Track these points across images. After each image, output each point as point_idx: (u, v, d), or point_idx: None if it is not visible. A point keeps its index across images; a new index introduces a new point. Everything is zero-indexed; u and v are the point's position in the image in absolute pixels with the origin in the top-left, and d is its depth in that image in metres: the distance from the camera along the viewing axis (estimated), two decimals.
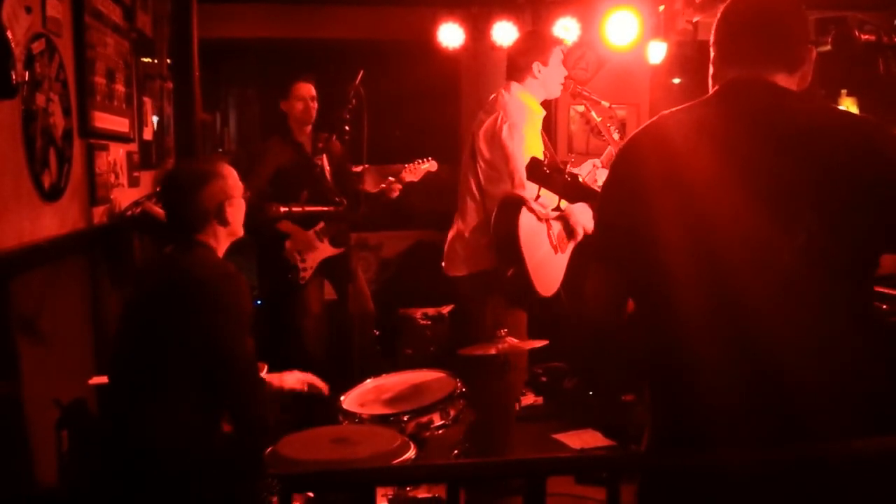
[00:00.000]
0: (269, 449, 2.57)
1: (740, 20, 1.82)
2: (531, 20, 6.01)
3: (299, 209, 4.16)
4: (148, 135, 4.51)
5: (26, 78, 2.68)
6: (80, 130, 3.29)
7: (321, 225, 4.67)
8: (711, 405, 1.67)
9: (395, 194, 4.81)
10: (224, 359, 2.49)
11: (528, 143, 3.61)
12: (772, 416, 1.66)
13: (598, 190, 2.23)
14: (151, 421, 2.48)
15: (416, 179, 4.88)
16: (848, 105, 5.14)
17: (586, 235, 3.66)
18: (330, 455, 2.55)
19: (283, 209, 4.01)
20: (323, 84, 4.92)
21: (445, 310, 5.69)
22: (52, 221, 2.95)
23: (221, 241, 2.70)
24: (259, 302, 5.88)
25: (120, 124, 3.89)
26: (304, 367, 4.79)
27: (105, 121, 3.59)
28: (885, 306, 3.39)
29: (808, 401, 1.63)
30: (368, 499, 1.58)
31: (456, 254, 3.80)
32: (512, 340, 3.44)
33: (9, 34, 2.47)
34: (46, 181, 2.87)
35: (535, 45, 3.82)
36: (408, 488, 2.85)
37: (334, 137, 4.88)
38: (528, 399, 5.30)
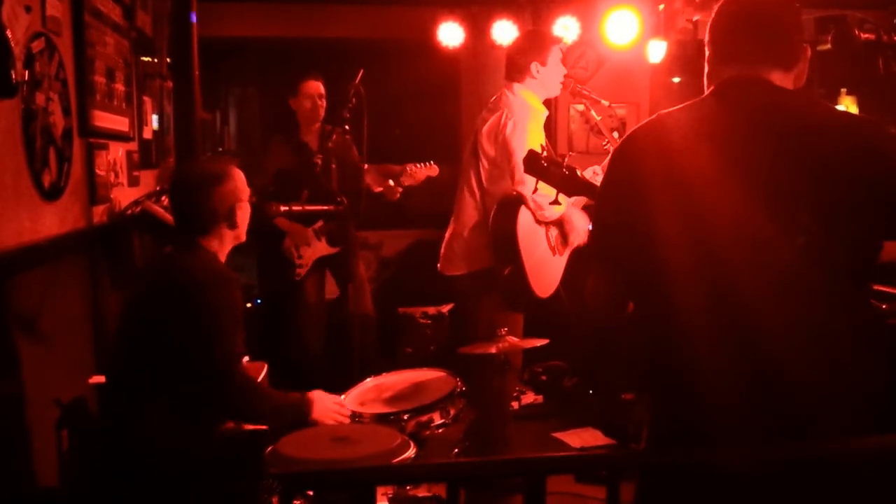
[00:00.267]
0: (270, 448, 2.57)
1: (735, 19, 1.82)
2: (531, 19, 6.01)
3: (299, 208, 4.15)
4: (148, 134, 4.51)
5: (26, 77, 2.68)
6: (80, 129, 3.29)
7: (320, 223, 4.67)
8: (710, 404, 1.67)
9: (396, 197, 4.82)
10: (210, 361, 2.49)
11: (531, 142, 3.62)
12: (771, 415, 1.66)
13: (596, 185, 2.23)
14: (150, 420, 2.48)
15: (416, 183, 4.88)
16: (847, 104, 5.14)
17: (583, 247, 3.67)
18: (330, 454, 2.55)
19: (283, 208, 4.00)
20: (324, 83, 4.92)
21: (445, 309, 5.69)
22: (51, 221, 2.95)
23: (226, 244, 2.71)
24: (259, 301, 5.89)
25: (120, 123, 3.89)
26: (303, 365, 4.83)
27: (105, 120, 3.59)
28: (884, 306, 3.39)
29: (806, 400, 1.63)
30: (368, 498, 1.58)
31: (454, 253, 3.80)
32: (512, 339, 3.45)
33: (8, 33, 2.46)
34: (46, 180, 2.87)
35: (532, 44, 3.82)
36: (408, 487, 2.85)
37: (341, 132, 4.88)
38: (528, 398, 5.30)
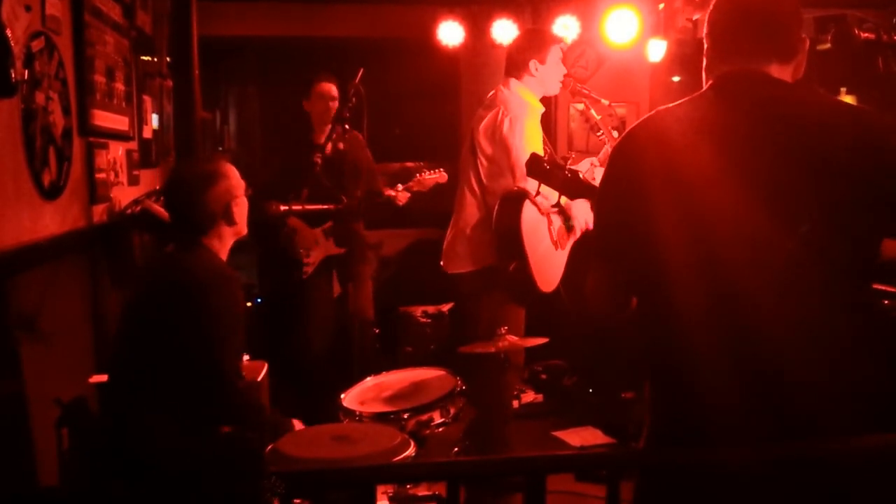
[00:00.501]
0: (270, 447, 2.57)
1: (731, 13, 1.82)
2: (531, 18, 6.01)
3: (299, 207, 4.16)
4: (148, 133, 4.51)
5: (26, 76, 2.68)
6: (80, 129, 3.29)
7: (329, 224, 4.67)
8: (710, 403, 1.67)
9: (403, 202, 4.83)
10: (211, 361, 2.49)
11: (529, 138, 3.62)
12: (771, 415, 1.66)
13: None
14: (150, 420, 2.48)
15: (424, 190, 4.89)
16: None
17: (587, 231, 3.66)
18: (330, 453, 2.55)
19: (283, 207, 4.01)
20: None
21: (445, 308, 5.70)
22: (51, 220, 2.95)
23: (226, 241, 2.71)
24: (259, 300, 5.89)
25: (120, 122, 3.89)
26: (304, 364, 4.83)
27: (105, 119, 3.59)
28: (886, 302, 3.39)
29: (806, 399, 1.63)
30: (369, 497, 1.58)
31: (457, 251, 3.80)
32: (512, 338, 3.45)
33: (8, 32, 2.46)
34: (46, 180, 2.87)
35: (532, 43, 3.83)
36: (408, 486, 2.85)
37: (355, 131, 4.91)
38: (528, 396, 5.31)
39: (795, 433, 1.62)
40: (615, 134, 4.00)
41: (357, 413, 3.04)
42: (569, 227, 3.75)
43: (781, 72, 1.78)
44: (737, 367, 1.66)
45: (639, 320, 1.86)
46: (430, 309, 5.72)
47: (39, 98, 2.81)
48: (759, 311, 1.64)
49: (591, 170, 3.79)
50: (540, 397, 5.35)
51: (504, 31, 5.65)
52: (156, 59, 4.73)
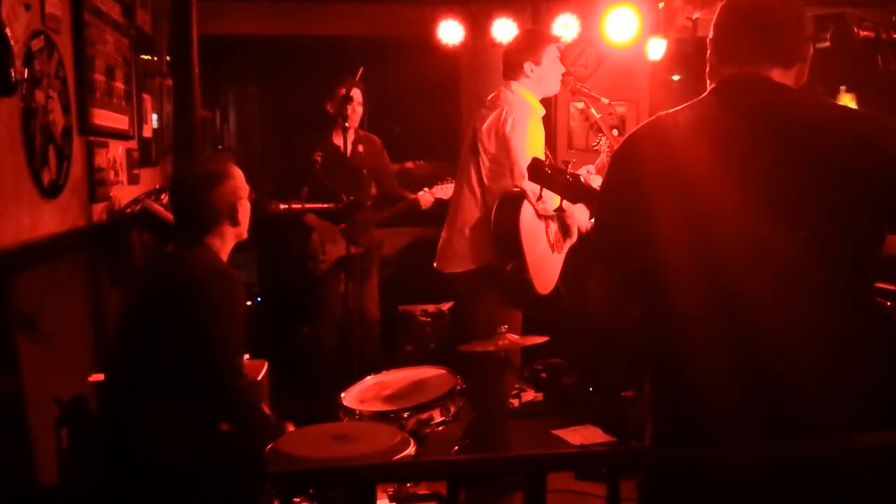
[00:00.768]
0: (270, 446, 2.57)
1: (734, 17, 1.82)
2: (531, 17, 6.01)
3: (299, 206, 4.16)
4: (147, 132, 4.51)
5: (25, 75, 2.68)
6: (80, 128, 3.29)
7: (346, 224, 4.67)
8: (710, 402, 1.67)
9: (428, 206, 4.85)
10: (213, 359, 2.49)
11: (531, 139, 3.63)
12: (771, 415, 1.66)
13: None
14: (150, 419, 2.48)
15: (445, 197, 4.89)
16: (847, 101, 5.15)
17: (585, 236, 3.67)
18: (330, 452, 2.55)
19: (282, 206, 4.01)
20: (323, 81, 4.92)
21: (445, 306, 5.69)
22: (51, 219, 2.95)
23: (228, 242, 2.71)
24: (259, 299, 5.90)
25: (119, 121, 3.89)
26: (307, 362, 4.83)
27: (104, 118, 3.59)
28: (888, 303, 3.38)
29: (807, 398, 1.63)
30: (369, 495, 1.58)
31: (454, 250, 3.79)
32: (512, 337, 3.45)
33: (8, 31, 2.47)
34: (46, 178, 2.87)
35: (526, 44, 3.83)
36: (408, 484, 2.85)
37: (373, 135, 4.94)
38: (528, 395, 5.31)
39: (795, 433, 1.62)
40: (615, 133, 4.01)
41: (357, 412, 3.04)
42: (565, 232, 3.75)
43: (784, 77, 1.78)
44: (737, 366, 1.66)
45: (639, 320, 1.86)
46: (430, 308, 5.72)
47: (39, 97, 2.81)
48: (759, 312, 1.65)
49: (588, 177, 3.79)
50: (540, 396, 5.35)
51: (504, 29, 5.65)
52: (155, 58, 4.73)
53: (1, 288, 2.51)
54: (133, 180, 4.15)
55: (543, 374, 5.49)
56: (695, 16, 5.31)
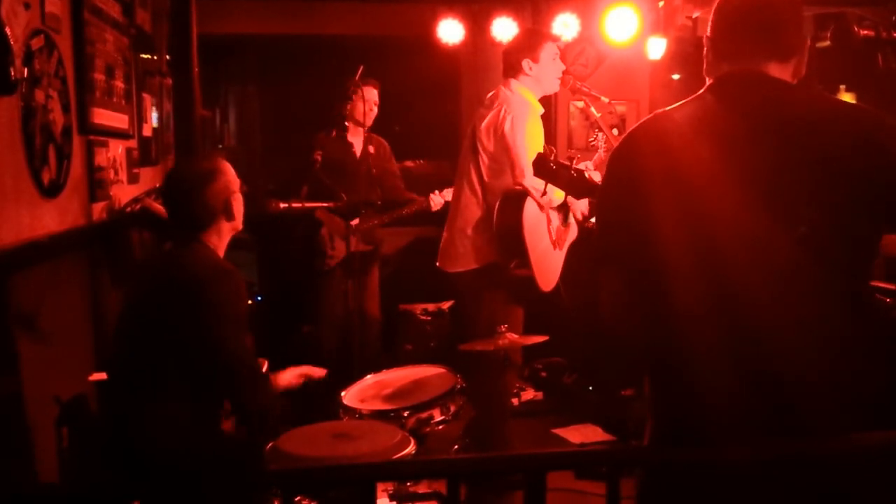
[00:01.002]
0: (270, 445, 2.57)
1: (730, 14, 1.82)
2: (531, 16, 6.01)
3: (299, 205, 4.16)
4: (147, 131, 4.51)
5: (25, 74, 2.67)
6: (80, 127, 3.29)
7: (356, 220, 4.67)
8: (710, 402, 1.67)
9: (438, 208, 4.85)
10: (221, 357, 2.49)
11: (531, 137, 3.63)
12: (771, 413, 1.66)
13: None
14: (150, 419, 2.48)
15: None
16: (846, 100, 5.15)
17: (586, 236, 3.68)
18: (330, 451, 2.55)
19: (283, 205, 4.01)
20: (323, 80, 4.92)
21: (446, 305, 5.69)
22: (51, 218, 2.95)
23: (224, 236, 2.72)
24: (259, 298, 5.89)
25: (119, 121, 3.89)
26: (312, 359, 4.83)
27: (104, 117, 3.59)
28: (888, 300, 3.38)
29: (807, 397, 1.63)
30: (369, 494, 1.58)
31: (457, 249, 3.80)
32: (512, 336, 3.45)
33: (7, 30, 2.46)
34: (46, 178, 2.87)
35: (524, 42, 3.85)
36: (408, 483, 2.85)
37: (381, 138, 4.95)
38: (528, 394, 5.31)
39: (795, 432, 1.62)
40: (615, 132, 4.01)
41: (357, 411, 3.04)
42: (566, 222, 3.76)
43: (781, 71, 1.78)
44: (737, 366, 1.66)
45: (640, 319, 1.86)
46: (431, 307, 5.72)
47: (39, 96, 2.81)
48: (759, 311, 1.65)
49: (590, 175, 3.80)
50: (540, 395, 5.35)
51: (504, 29, 5.65)
52: (155, 57, 4.73)
53: (1, 287, 2.51)
54: (133, 179, 4.15)
55: (543, 373, 5.49)
56: (694, 15, 5.31)
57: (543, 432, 4.76)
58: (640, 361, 1.98)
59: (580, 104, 5.52)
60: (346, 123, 4.80)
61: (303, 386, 2.93)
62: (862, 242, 1.67)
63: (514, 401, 5.07)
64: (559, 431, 4.77)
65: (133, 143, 4.20)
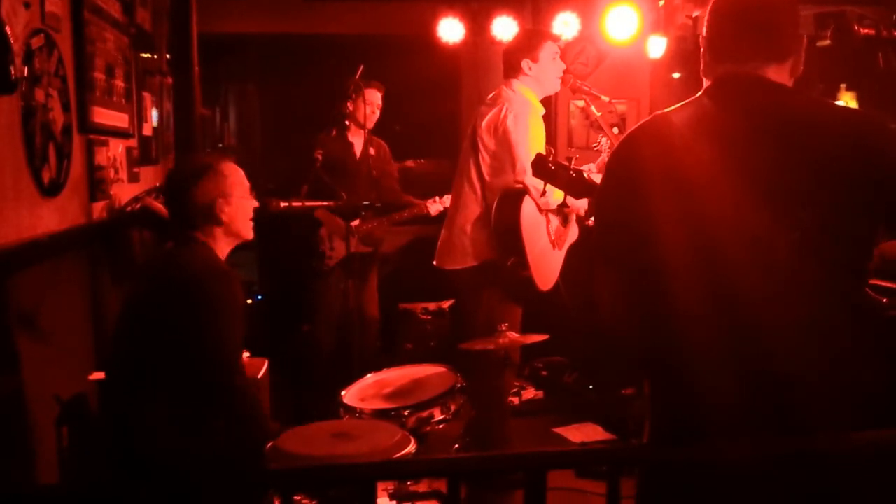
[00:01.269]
0: (270, 444, 2.57)
1: (725, 15, 1.82)
2: (531, 15, 6.01)
3: (299, 204, 4.17)
4: (147, 130, 4.51)
5: (25, 73, 2.67)
6: (80, 126, 3.29)
7: (357, 221, 4.67)
8: (710, 402, 1.67)
9: (434, 214, 4.85)
10: (212, 357, 2.49)
11: (532, 136, 3.63)
12: (771, 412, 1.66)
13: None
14: (150, 418, 2.48)
15: None
16: (847, 100, 5.14)
17: (586, 235, 3.68)
18: (330, 450, 2.55)
19: (283, 204, 4.01)
20: (323, 79, 4.92)
21: (446, 304, 5.69)
22: (51, 217, 2.95)
23: (219, 240, 2.66)
24: (259, 297, 5.90)
25: (119, 120, 3.89)
26: (308, 360, 4.84)
27: (104, 116, 3.59)
28: (885, 300, 3.38)
29: (805, 396, 1.63)
30: (369, 493, 1.58)
31: (455, 247, 3.80)
32: (512, 335, 3.45)
33: (7, 29, 2.46)
34: (46, 176, 2.87)
35: (523, 42, 3.86)
36: (408, 483, 2.85)
37: (382, 141, 4.96)
38: (529, 393, 5.31)
39: (794, 431, 1.63)
40: (615, 131, 4.01)
41: (357, 410, 3.04)
42: (566, 222, 3.76)
43: (779, 71, 1.78)
44: (736, 365, 1.67)
45: (639, 320, 1.86)
46: (431, 306, 5.72)
47: (39, 95, 2.81)
48: (758, 311, 1.65)
49: (590, 175, 3.80)
50: (540, 394, 5.35)
51: (504, 27, 5.65)
52: (155, 57, 4.73)
53: (1, 287, 2.51)
54: (133, 178, 4.15)
55: (544, 372, 5.49)
56: (695, 14, 5.30)
57: (544, 431, 4.76)
58: (639, 361, 1.98)
59: (580, 103, 5.52)
60: (347, 122, 4.80)
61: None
62: (859, 243, 1.68)
63: (515, 400, 5.07)
64: (559, 430, 4.77)
65: (133, 142, 4.20)
